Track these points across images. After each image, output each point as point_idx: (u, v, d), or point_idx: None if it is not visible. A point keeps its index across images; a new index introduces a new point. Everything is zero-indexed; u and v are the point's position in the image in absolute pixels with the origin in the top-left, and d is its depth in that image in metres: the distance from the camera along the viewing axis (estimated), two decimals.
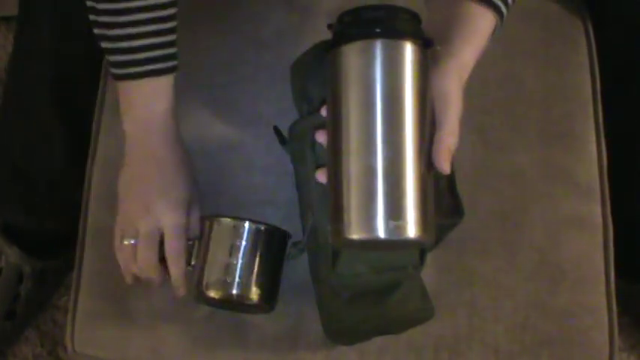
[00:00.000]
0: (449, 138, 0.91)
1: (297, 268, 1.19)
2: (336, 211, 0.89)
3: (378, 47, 0.88)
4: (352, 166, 0.88)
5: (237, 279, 1.13)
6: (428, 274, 1.17)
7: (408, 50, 0.89)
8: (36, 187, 1.55)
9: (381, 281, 1.11)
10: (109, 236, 1.20)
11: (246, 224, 1.14)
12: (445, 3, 1.02)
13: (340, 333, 1.16)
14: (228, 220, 1.16)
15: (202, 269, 1.15)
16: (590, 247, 1.26)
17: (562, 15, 1.36)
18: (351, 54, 0.90)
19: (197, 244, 1.17)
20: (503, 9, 1.00)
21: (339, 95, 0.90)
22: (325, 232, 1.10)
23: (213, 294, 1.14)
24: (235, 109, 1.31)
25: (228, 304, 1.16)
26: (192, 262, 1.17)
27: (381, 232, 0.86)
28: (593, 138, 1.29)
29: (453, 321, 1.21)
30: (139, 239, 1.13)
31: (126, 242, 1.14)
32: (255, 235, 1.15)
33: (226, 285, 1.13)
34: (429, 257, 1.16)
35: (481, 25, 1.00)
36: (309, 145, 1.11)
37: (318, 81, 1.12)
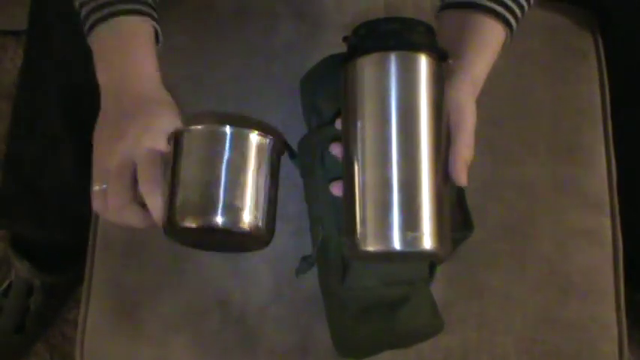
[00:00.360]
0: (465, 150, 0.92)
1: (306, 282, 1.19)
2: (352, 223, 0.89)
3: (394, 60, 0.89)
4: (368, 179, 0.88)
5: (220, 201, 0.90)
6: (437, 287, 1.17)
7: (424, 63, 0.90)
8: (46, 202, 1.55)
9: (391, 295, 1.11)
10: (119, 250, 1.20)
11: (228, 130, 0.92)
12: (455, 16, 1.03)
13: (349, 347, 1.16)
14: (204, 127, 0.94)
15: (174, 193, 0.92)
16: (599, 259, 1.26)
17: (571, 27, 1.37)
18: (366, 66, 0.91)
19: (167, 167, 0.95)
20: (513, 22, 1.00)
21: (354, 108, 0.91)
22: (335, 245, 1.11)
23: (189, 223, 0.90)
24: None
25: (211, 237, 0.93)
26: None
27: (397, 244, 0.86)
28: (603, 150, 1.29)
29: (462, 333, 1.21)
30: (109, 179, 0.98)
31: (97, 187, 0.99)
32: (241, 142, 0.93)
33: (207, 210, 0.90)
34: (439, 270, 1.16)
35: (492, 38, 1.01)
36: (319, 158, 1.11)
37: (327, 94, 1.12)
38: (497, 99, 1.27)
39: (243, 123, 0.94)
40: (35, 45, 1.43)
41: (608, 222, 1.27)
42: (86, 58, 1.36)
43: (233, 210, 0.91)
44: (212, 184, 0.90)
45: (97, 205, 1.00)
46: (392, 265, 1.10)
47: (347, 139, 0.92)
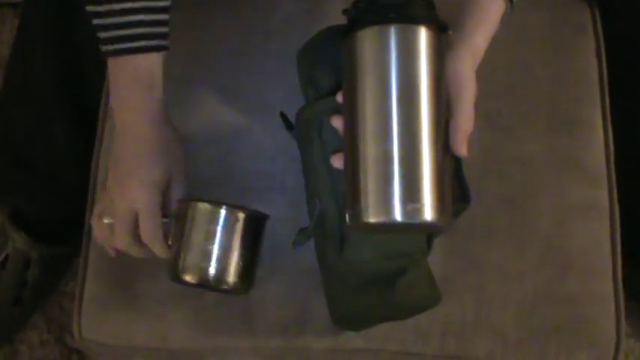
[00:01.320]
0: (465, 122, 0.92)
1: (304, 255, 1.19)
2: (353, 196, 0.90)
3: (394, 33, 0.89)
4: (369, 151, 0.89)
5: (213, 264, 1.12)
6: (435, 260, 1.17)
7: (423, 35, 0.90)
8: (38, 174, 1.54)
9: (388, 268, 1.11)
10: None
11: (223, 209, 1.14)
12: None
13: (347, 319, 1.16)
14: (205, 204, 1.15)
15: (178, 253, 1.14)
16: (597, 233, 1.26)
17: (569, 1, 1.36)
18: (366, 40, 0.91)
19: (174, 225, 1.16)
20: None
21: (355, 81, 0.91)
22: (332, 218, 1.10)
23: (189, 278, 1.13)
24: (243, 96, 1.31)
25: (204, 287, 1.16)
26: (169, 242, 1.16)
27: (398, 215, 0.87)
28: (601, 124, 1.29)
29: (460, 307, 1.21)
30: (115, 220, 1.13)
31: (106, 221, 1.14)
32: (231, 220, 1.14)
33: (202, 270, 1.13)
34: (437, 243, 1.16)
35: (492, 9, 1.01)
36: (316, 131, 1.11)
37: (325, 67, 1.12)
38: (495, 73, 1.27)
39: (235, 206, 1.15)
40: (31, 13, 1.42)
41: (606, 196, 1.27)
42: (83, 26, 1.36)
43: (220, 272, 1.14)
44: (208, 251, 1.13)
45: (101, 235, 1.18)
46: (391, 237, 1.10)
47: (348, 112, 0.93)
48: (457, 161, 1.17)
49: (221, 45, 1.35)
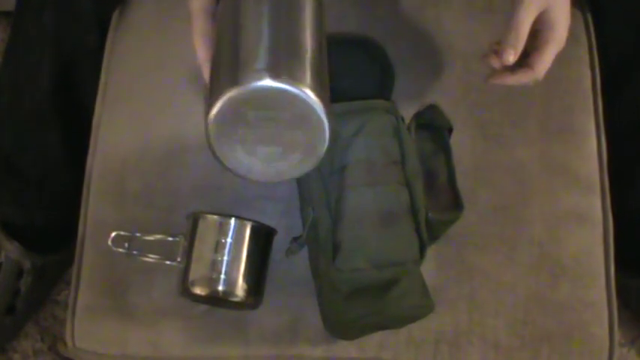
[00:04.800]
0: (507, 35, 1.02)
1: (297, 263, 1.19)
2: (211, 95, 0.89)
3: None
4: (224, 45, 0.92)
5: (222, 276, 1.14)
6: (428, 269, 1.17)
7: None
8: (29, 181, 1.54)
9: (381, 277, 1.11)
10: (109, 231, 1.20)
11: (232, 221, 1.15)
12: None
13: (340, 328, 1.16)
14: (214, 216, 1.17)
15: (188, 266, 1.16)
16: (590, 241, 1.26)
17: None
18: None
19: (183, 240, 1.18)
20: None
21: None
22: (325, 226, 1.11)
23: (199, 290, 1.15)
24: None
25: (214, 300, 1.17)
26: (178, 259, 1.18)
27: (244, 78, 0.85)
28: (593, 132, 1.29)
29: (452, 316, 1.21)
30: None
31: None
32: (240, 231, 1.15)
33: (212, 282, 1.15)
34: (429, 252, 1.16)
35: None
36: None
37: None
38: (488, 82, 1.27)
39: (244, 218, 1.16)
40: (25, 19, 1.41)
41: (598, 203, 1.27)
42: (79, 37, 1.35)
43: (230, 284, 1.15)
44: (217, 262, 1.14)
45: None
46: (380, 248, 1.10)
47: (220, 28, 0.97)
48: (450, 170, 1.18)
49: None
